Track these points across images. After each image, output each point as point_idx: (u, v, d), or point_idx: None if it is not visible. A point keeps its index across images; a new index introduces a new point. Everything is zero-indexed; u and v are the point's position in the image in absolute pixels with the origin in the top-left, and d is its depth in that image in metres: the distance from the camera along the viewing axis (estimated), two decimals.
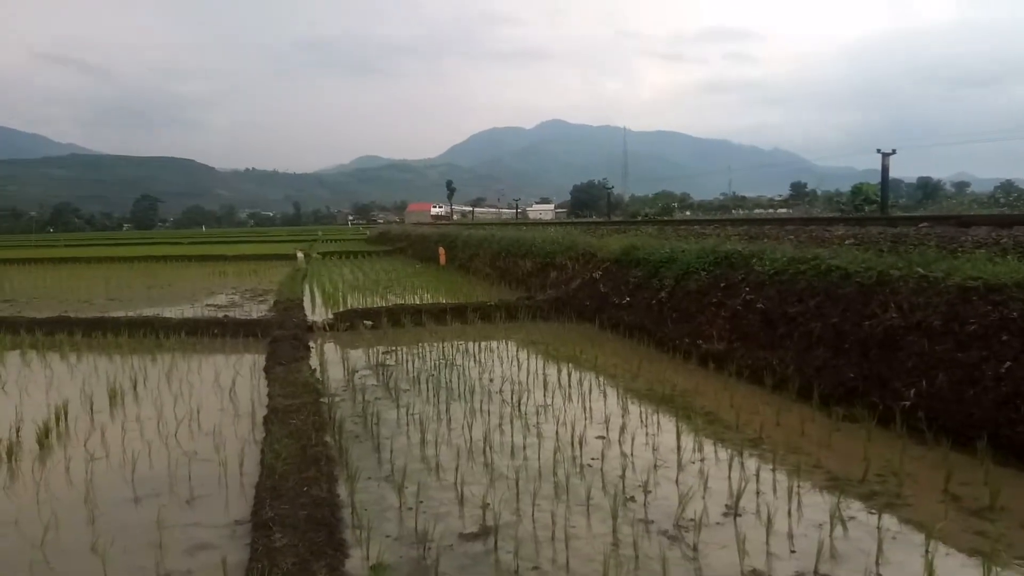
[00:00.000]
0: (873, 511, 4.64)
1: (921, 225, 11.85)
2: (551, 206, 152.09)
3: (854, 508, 4.72)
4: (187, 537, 4.51)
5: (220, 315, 13.84)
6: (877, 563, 3.97)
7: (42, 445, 6.33)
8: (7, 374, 9.58)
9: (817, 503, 4.81)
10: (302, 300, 15.94)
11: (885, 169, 27.89)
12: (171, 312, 14.30)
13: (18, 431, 6.52)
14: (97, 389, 8.30)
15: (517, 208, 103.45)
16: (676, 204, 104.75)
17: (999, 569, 3.81)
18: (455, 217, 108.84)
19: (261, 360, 9.88)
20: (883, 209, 29.10)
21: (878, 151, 28.05)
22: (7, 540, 4.57)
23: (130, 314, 13.96)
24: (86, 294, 19.37)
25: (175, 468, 5.73)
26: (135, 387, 8.48)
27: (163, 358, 10.33)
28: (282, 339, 10.80)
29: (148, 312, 14.47)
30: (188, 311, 14.79)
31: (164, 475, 5.60)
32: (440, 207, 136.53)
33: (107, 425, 6.99)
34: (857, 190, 49.90)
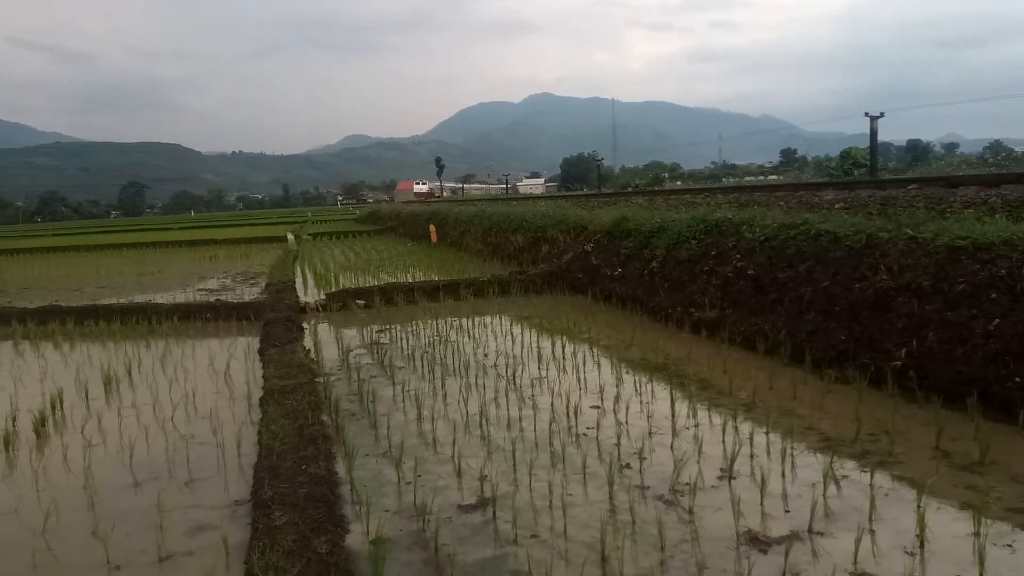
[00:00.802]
0: (865, 470, 4.70)
1: (910, 187, 11.87)
2: (541, 180, 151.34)
3: (847, 467, 4.78)
4: (187, 519, 4.53)
5: (212, 299, 13.81)
6: (870, 519, 4.03)
7: (39, 434, 6.34)
8: (0, 365, 9.56)
9: (810, 464, 4.86)
10: (294, 282, 15.91)
11: (874, 132, 27.86)
12: (163, 298, 14.27)
13: (14, 421, 6.51)
14: (92, 377, 8.29)
15: (507, 183, 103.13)
16: (666, 174, 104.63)
17: (989, 521, 3.87)
18: (445, 194, 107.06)
19: (255, 342, 9.88)
20: (872, 172, 29.12)
21: (866, 115, 28.00)
22: (8, 529, 4.58)
23: (122, 301, 13.93)
24: (77, 282, 19.29)
25: (173, 452, 5.75)
26: (130, 373, 8.48)
27: (157, 344, 10.32)
28: (275, 321, 10.79)
29: (140, 298, 14.43)
30: (180, 296, 14.75)
31: (162, 459, 5.62)
32: (423, 184, 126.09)
33: (103, 412, 7.00)
34: (846, 154, 49.87)
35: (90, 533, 4.37)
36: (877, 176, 27.51)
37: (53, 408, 6.93)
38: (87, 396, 7.49)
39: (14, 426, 6.41)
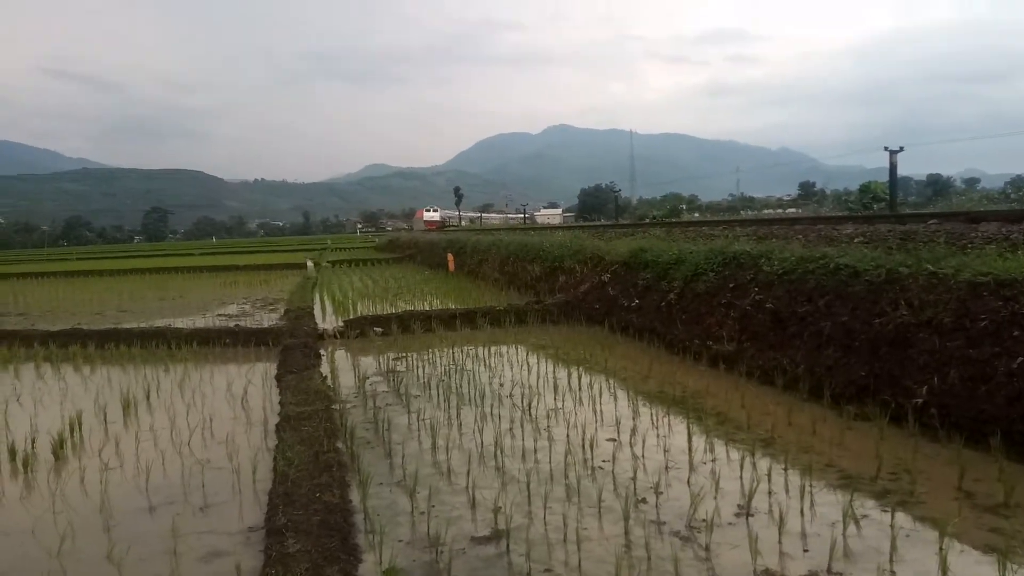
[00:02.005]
0: (886, 509, 4.63)
1: (930, 222, 11.80)
2: (559, 210, 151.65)
3: (867, 506, 4.71)
4: (201, 544, 4.54)
5: (231, 324, 13.91)
6: (891, 561, 3.96)
7: (57, 456, 6.38)
8: (21, 386, 9.67)
9: (830, 502, 4.79)
10: (312, 308, 16.00)
11: (893, 167, 27.76)
12: (183, 322, 14.39)
13: (33, 442, 6.57)
14: (111, 400, 8.36)
15: (525, 213, 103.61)
16: (684, 206, 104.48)
17: (1015, 566, 3.79)
18: (463, 223, 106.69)
19: (273, 368, 9.93)
20: (892, 207, 28.95)
21: (886, 149, 27.92)
22: (25, 549, 4.61)
23: (142, 325, 14.07)
24: (98, 306, 19.51)
25: (189, 476, 5.77)
26: (148, 397, 8.54)
27: (175, 368, 10.40)
28: (293, 347, 10.85)
29: (160, 323, 14.56)
30: (200, 321, 14.88)
31: (178, 483, 5.64)
32: (434, 211, 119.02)
33: (121, 435, 7.05)
34: (866, 188, 49.65)
35: (105, 557, 4.39)
36: (897, 210, 27.35)
37: (72, 430, 6.99)
38: (106, 419, 7.56)
39: (33, 448, 6.47)
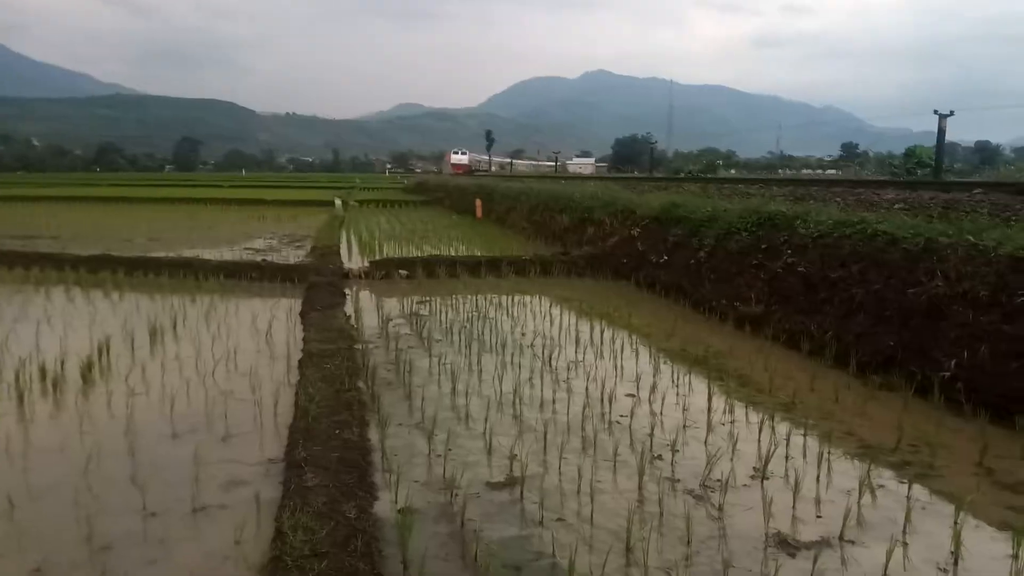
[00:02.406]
0: (904, 480, 4.59)
1: (975, 191, 11.48)
2: (591, 160, 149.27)
3: (884, 476, 4.68)
4: (223, 473, 4.63)
5: (258, 259, 14.03)
6: (904, 532, 3.94)
7: (85, 379, 6.52)
8: (52, 308, 9.87)
9: (847, 470, 4.77)
10: (339, 247, 16.08)
11: (941, 131, 26.92)
12: (211, 254, 14.54)
13: (62, 364, 6.71)
14: (138, 327, 8.51)
15: (556, 161, 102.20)
16: (721, 162, 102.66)
17: None
18: (493, 169, 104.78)
19: (297, 305, 10.02)
20: (937, 174, 28.19)
21: (935, 112, 27.05)
22: (53, 466, 4.75)
23: (171, 255, 14.26)
24: (129, 233, 19.75)
25: (212, 406, 5.88)
26: (174, 326, 8.67)
27: (202, 299, 10.53)
28: (319, 285, 10.93)
29: (188, 253, 14.72)
30: (227, 254, 15.01)
31: (201, 413, 5.75)
32: (463, 153, 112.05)
33: (147, 362, 7.18)
34: (910, 153, 48.30)
35: (129, 479, 4.51)
36: (941, 178, 26.61)
37: (100, 354, 7.13)
38: (133, 345, 7.70)
39: (62, 370, 6.61)
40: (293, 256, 15.06)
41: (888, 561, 3.56)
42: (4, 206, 30.77)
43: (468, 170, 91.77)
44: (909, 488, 4.46)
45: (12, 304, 10.23)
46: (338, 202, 29.44)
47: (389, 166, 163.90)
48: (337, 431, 5.03)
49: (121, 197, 35.88)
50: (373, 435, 5.22)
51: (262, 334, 8.36)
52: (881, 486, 4.51)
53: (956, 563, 3.65)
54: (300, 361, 6.97)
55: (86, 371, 6.62)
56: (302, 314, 9.33)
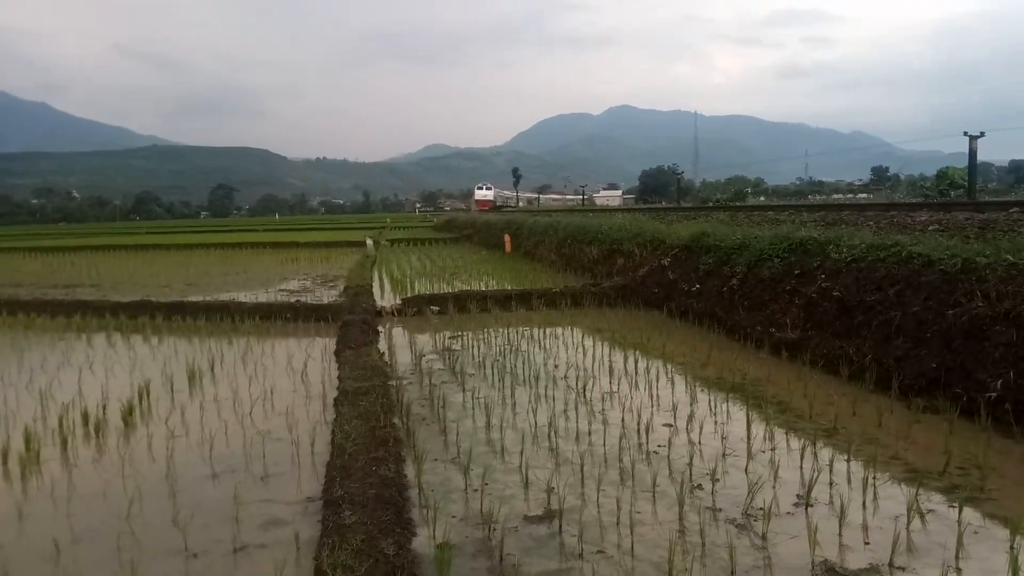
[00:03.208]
0: (954, 504, 4.46)
1: (1012, 210, 11.27)
2: (619, 192, 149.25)
3: (933, 501, 4.55)
4: (262, 513, 4.66)
5: (293, 300, 14.22)
6: (957, 557, 3.81)
7: (126, 423, 6.63)
8: (94, 355, 10.07)
9: (894, 495, 4.64)
10: (371, 286, 16.23)
11: (973, 152, 26.55)
12: (246, 297, 14.77)
13: (104, 409, 6.84)
14: (177, 370, 8.64)
15: (583, 195, 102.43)
16: (749, 190, 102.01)
17: None
18: (520, 204, 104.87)
19: (332, 344, 10.11)
20: (970, 194, 27.75)
21: (965, 134, 26.72)
22: (96, 512, 4.81)
23: (207, 299, 14.50)
24: (166, 279, 20.17)
25: (250, 447, 5.93)
26: (212, 369, 8.80)
27: (239, 341, 10.68)
28: (352, 323, 11.02)
29: (224, 297, 14.98)
30: (262, 296, 15.25)
31: (240, 453, 5.80)
32: (488, 188, 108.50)
33: (186, 404, 7.28)
34: (942, 174, 47.64)
35: (170, 521, 4.54)
36: (976, 198, 26.18)
37: (140, 398, 7.26)
38: (172, 388, 7.82)
39: (104, 414, 6.73)
40: (326, 296, 15.24)
41: None
42: (47, 257, 31.65)
43: (493, 206, 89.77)
44: (960, 512, 4.32)
45: (55, 351, 10.47)
46: (369, 242, 29.81)
47: (419, 205, 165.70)
48: (374, 468, 5.03)
49: (158, 244, 36.72)
50: (409, 471, 5.21)
51: (298, 373, 8.43)
52: (931, 511, 4.38)
53: None
54: (335, 399, 7.01)
55: (127, 415, 6.73)
56: (336, 353, 9.41)
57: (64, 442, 6.12)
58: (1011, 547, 3.75)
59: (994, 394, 5.93)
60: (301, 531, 4.29)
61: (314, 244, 34.00)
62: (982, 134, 26.71)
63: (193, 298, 14.67)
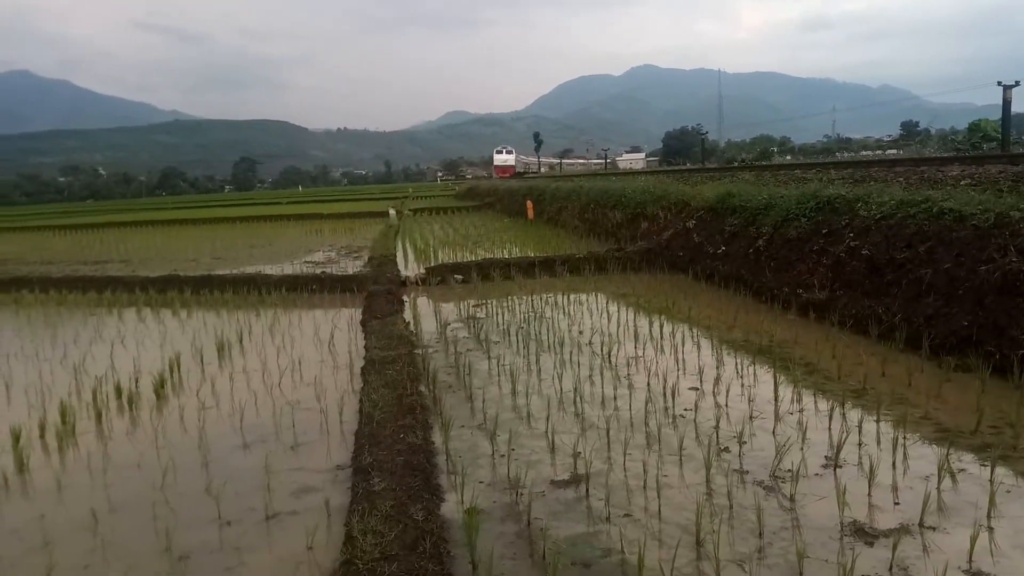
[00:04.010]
0: (986, 464, 4.40)
1: None
2: (642, 155, 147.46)
3: (965, 460, 4.49)
4: (292, 481, 4.73)
5: (318, 271, 14.32)
6: (989, 516, 3.77)
7: (158, 395, 6.76)
8: (125, 329, 10.24)
9: (924, 455, 4.60)
10: (395, 256, 16.29)
11: (1007, 103, 25.79)
12: (272, 269, 14.90)
13: (137, 382, 6.97)
14: (206, 343, 8.77)
15: (606, 158, 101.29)
16: (775, 148, 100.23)
17: None
18: (543, 170, 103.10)
19: (357, 314, 10.18)
20: (1004, 147, 27.04)
21: (999, 83, 25.94)
22: (131, 482, 4.92)
23: (234, 272, 14.65)
24: (193, 253, 20.41)
25: (280, 416, 6.01)
26: (241, 340, 8.91)
27: (266, 313, 10.80)
28: (377, 294, 11.08)
29: (251, 270, 15.13)
30: (288, 268, 15.37)
31: (270, 423, 5.89)
32: (508, 152, 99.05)
33: (216, 376, 7.39)
34: (975, 127, 46.41)
35: (204, 490, 4.64)
36: (1010, 150, 25.50)
37: (171, 371, 7.38)
38: (202, 361, 7.93)
39: (136, 387, 6.86)
40: (351, 267, 15.33)
41: (972, 547, 3.42)
42: (76, 234, 32.15)
43: (515, 172, 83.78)
44: (992, 471, 4.27)
45: (87, 326, 10.67)
46: (392, 212, 29.86)
47: (440, 174, 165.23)
48: (401, 435, 5.08)
49: (184, 219, 37.11)
50: (437, 438, 5.26)
51: (325, 344, 8.51)
52: (962, 470, 4.34)
53: None
54: (363, 368, 7.08)
55: (159, 387, 6.85)
56: (362, 323, 9.47)
57: (99, 415, 6.26)
58: None
59: None
60: (331, 498, 4.36)
61: (337, 215, 34.15)
62: (1017, 83, 25.94)
63: (220, 272, 14.83)
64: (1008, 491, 4.07)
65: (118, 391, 6.74)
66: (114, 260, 19.55)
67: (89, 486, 4.90)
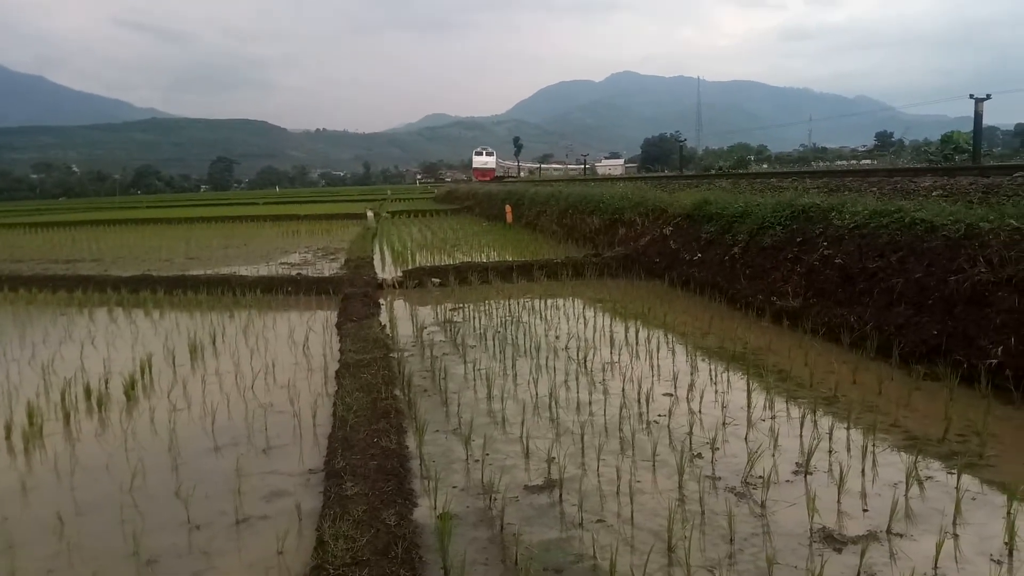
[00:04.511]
0: (952, 471, 4.47)
1: (1016, 175, 11.17)
2: (621, 161, 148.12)
3: (932, 468, 4.56)
4: (264, 484, 4.69)
5: (294, 273, 14.22)
6: (955, 523, 3.83)
7: (129, 396, 6.66)
8: (95, 329, 10.09)
9: (893, 462, 4.66)
10: (372, 258, 16.22)
11: (978, 116, 26.28)
12: (247, 270, 14.78)
13: (107, 383, 6.87)
14: (179, 344, 8.66)
15: (585, 164, 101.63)
16: (752, 157, 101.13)
17: None
18: (522, 174, 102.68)
19: (333, 316, 10.12)
20: (975, 159, 27.53)
21: (971, 96, 26.43)
22: (99, 485, 4.84)
23: (208, 272, 14.49)
24: (167, 253, 20.16)
25: (252, 419, 5.95)
26: (214, 342, 8.81)
27: (240, 314, 10.69)
28: (353, 296, 11.02)
29: (225, 271, 14.98)
30: (263, 269, 15.25)
31: (242, 426, 5.83)
32: (489, 153, 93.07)
33: (188, 378, 7.31)
34: (947, 139, 47.16)
35: (173, 493, 4.58)
36: (980, 163, 25.96)
37: (142, 372, 7.28)
38: (174, 362, 7.83)
39: (107, 388, 6.76)
40: (328, 269, 15.23)
41: (938, 554, 3.46)
42: (48, 232, 31.63)
43: (495, 177, 78.01)
44: (958, 479, 4.33)
45: (57, 326, 10.50)
46: (370, 214, 29.70)
47: (419, 177, 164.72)
48: (375, 440, 5.06)
49: (159, 218, 36.64)
50: (411, 442, 5.23)
51: (299, 346, 8.45)
52: (929, 478, 4.40)
53: (1011, 554, 3.53)
54: (337, 372, 7.03)
55: (129, 389, 6.76)
56: (338, 325, 9.42)
57: (67, 416, 6.15)
58: (1008, 513, 3.76)
59: (995, 361, 5.92)
60: (303, 502, 4.32)
61: (315, 217, 33.91)
62: (988, 97, 26.43)
63: (194, 272, 14.66)
64: (973, 498, 4.13)
65: (87, 392, 6.64)
66: (86, 259, 19.26)
67: (56, 488, 4.82)
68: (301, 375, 7.27)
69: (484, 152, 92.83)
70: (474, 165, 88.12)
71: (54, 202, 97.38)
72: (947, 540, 3.58)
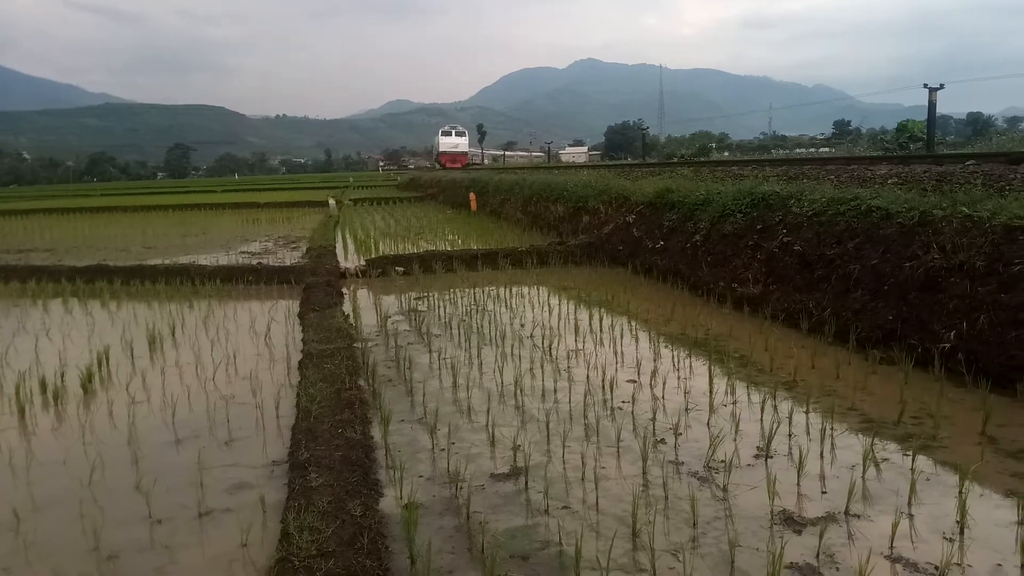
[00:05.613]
0: (907, 453, 4.60)
1: (968, 163, 11.46)
2: (584, 149, 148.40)
3: (888, 450, 4.68)
4: (227, 477, 4.63)
5: (254, 262, 14.02)
6: (910, 504, 3.94)
7: (86, 390, 6.52)
8: (50, 321, 9.84)
9: (850, 445, 4.77)
10: (335, 247, 16.06)
11: (932, 105, 26.84)
12: (206, 260, 14.51)
13: (62, 376, 6.70)
14: (137, 335, 8.49)
15: (549, 151, 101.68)
16: (714, 145, 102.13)
17: None
18: (485, 161, 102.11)
19: (295, 306, 10.01)
20: (929, 147, 28.15)
21: (925, 86, 26.97)
22: (56, 480, 4.74)
23: (167, 262, 14.21)
24: (123, 242, 19.73)
25: (214, 411, 5.87)
26: (173, 333, 8.66)
27: (200, 305, 10.52)
28: (315, 285, 10.91)
29: (184, 260, 14.71)
30: (223, 258, 14.99)
31: (203, 418, 5.74)
32: (459, 134, 77.05)
33: (147, 370, 7.18)
34: (902, 127, 48.12)
35: (133, 487, 4.50)
36: (934, 151, 26.56)
37: (99, 365, 7.13)
38: (132, 354, 7.69)
39: (63, 381, 6.60)
40: (289, 258, 15.04)
41: (894, 533, 3.56)
42: None
43: (465, 164, 68.53)
44: (913, 460, 4.46)
45: (10, 318, 10.22)
46: (332, 202, 29.37)
47: (382, 164, 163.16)
48: (339, 430, 5.02)
49: (114, 207, 35.79)
50: (376, 432, 5.22)
51: (261, 337, 8.35)
52: (885, 460, 4.52)
53: (962, 532, 3.65)
54: (300, 362, 6.96)
55: (86, 382, 6.61)
56: (300, 315, 9.32)
57: (21, 410, 6.00)
58: (960, 492, 3.88)
59: (948, 345, 6.09)
60: (267, 495, 4.28)
61: (275, 204, 33.43)
62: (941, 86, 26.99)
63: (152, 261, 14.36)
64: (928, 479, 4.26)
65: (43, 386, 6.48)
66: (39, 249, 18.76)
67: (11, 484, 4.70)
68: (263, 366, 7.18)
69: (454, 132, 76.23)
70: (440, 148, 73.53)
71: (4, 189, 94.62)
72: (902, 520, 3.69)
